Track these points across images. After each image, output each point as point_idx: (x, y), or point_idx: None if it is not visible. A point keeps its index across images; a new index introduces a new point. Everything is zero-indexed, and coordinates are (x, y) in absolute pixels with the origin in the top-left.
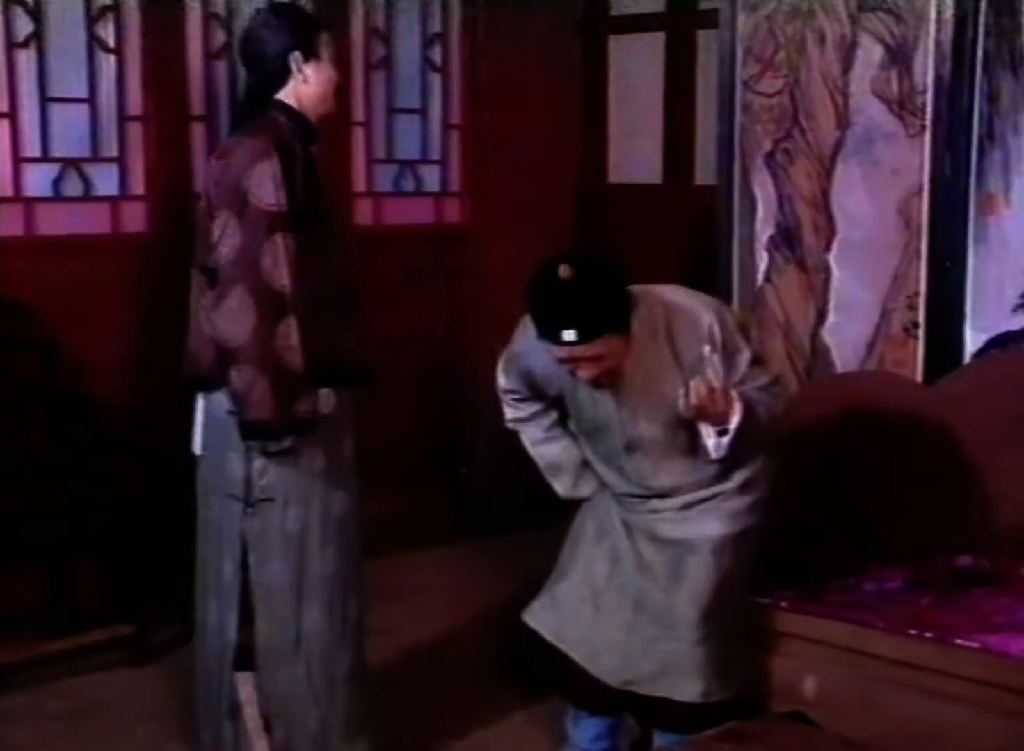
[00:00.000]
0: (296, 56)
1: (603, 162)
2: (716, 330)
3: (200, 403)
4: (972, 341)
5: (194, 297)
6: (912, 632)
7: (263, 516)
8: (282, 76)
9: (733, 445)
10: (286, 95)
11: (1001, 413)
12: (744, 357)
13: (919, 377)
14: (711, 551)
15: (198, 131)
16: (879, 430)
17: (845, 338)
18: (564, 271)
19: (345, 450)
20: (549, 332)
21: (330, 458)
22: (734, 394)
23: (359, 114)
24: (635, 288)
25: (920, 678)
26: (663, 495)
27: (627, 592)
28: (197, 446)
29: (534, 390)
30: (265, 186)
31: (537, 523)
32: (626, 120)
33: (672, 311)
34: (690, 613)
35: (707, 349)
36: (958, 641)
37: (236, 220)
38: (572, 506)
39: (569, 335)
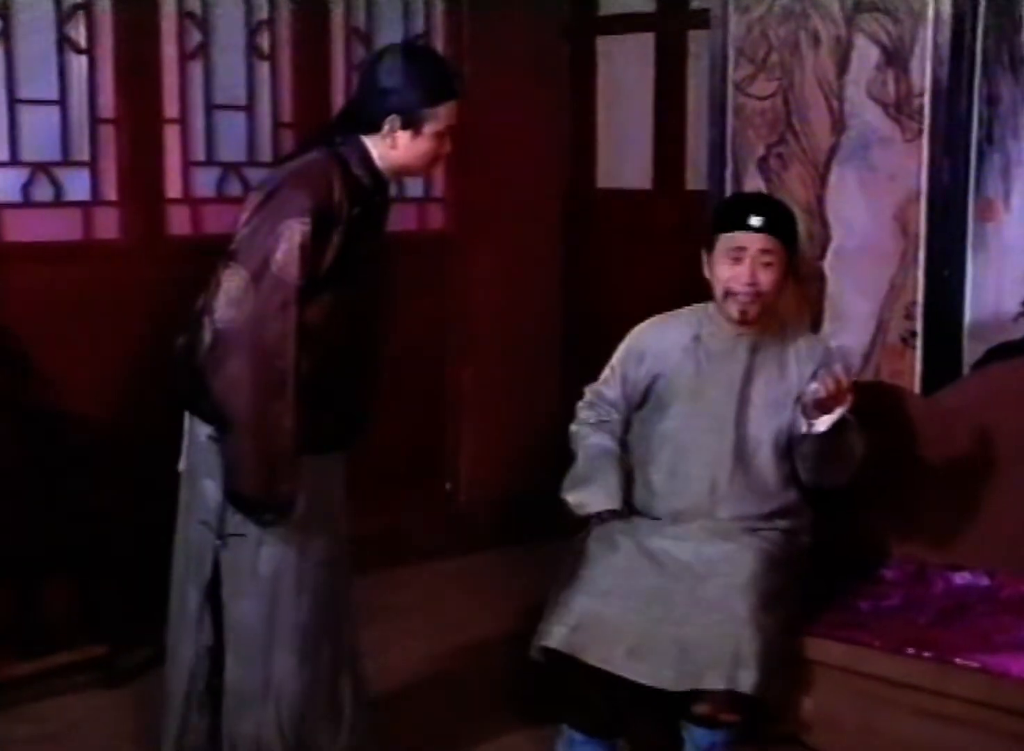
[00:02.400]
0: (393, 120)
1: (591, 167)
2: (834, 345)
3: (186, 420)
4: (971, 351)
5: (204, 328)
6: (910, 651)
7: (235, 551)
8: (375, 127)
9: (833, 430)
10: (372, 143)
11: (1001, 426)
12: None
13: (917, 388)
14: (756, 558)
15: (172, 134)
16: (876, 443)
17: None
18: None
19: (331, 494)
20: (737, 217)
21: (312, 502)
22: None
23: None
24: None
25: (918, 699)
26: (709, 515)
27: (678, 590)
28: (182, 463)
29: (628, 388)
30: (290, 255)
31: (522, 539)
32: (615, 123)
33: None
34: (745, 601)
35: (834, 343)
36: (957, 661)
37: (254, 285)
38: (557, 522)
39: (757, 221)
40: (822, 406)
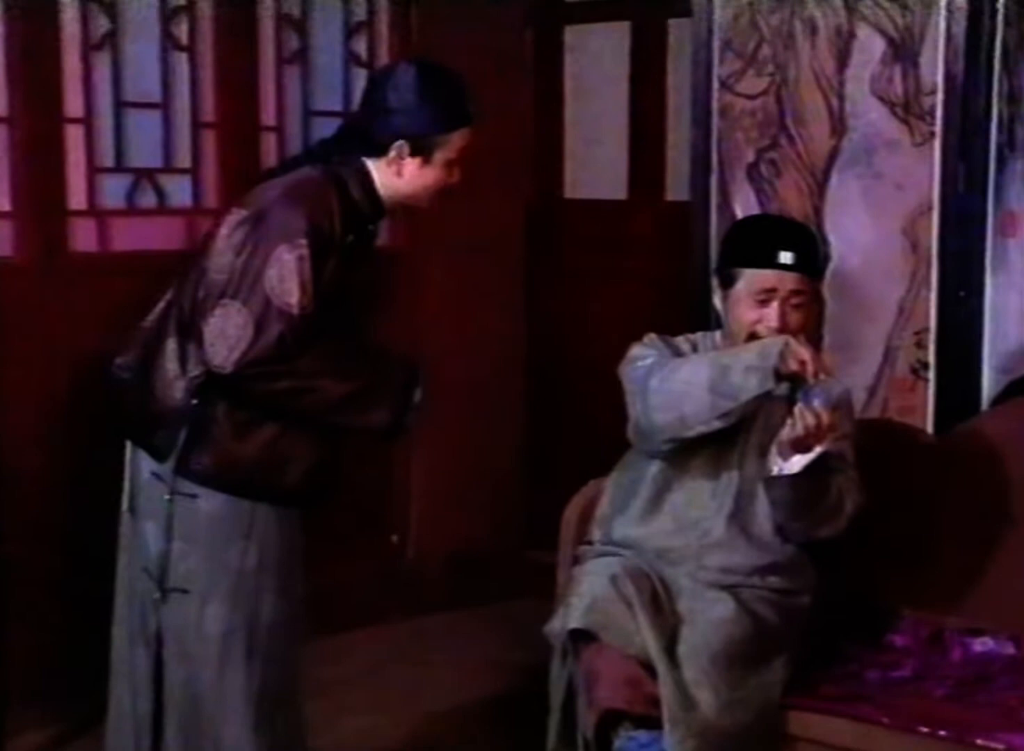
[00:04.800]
0: (402, 145)
1: (558, 174)
2: (848, 397)
3: (128, 454)
4: (991, 384)
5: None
6: (923, 730)
7: (177, 608)
8: (380, 150)
9: (808, 473)
10: (375, 167)
11: None
12: (848, 447)
13: (930, 427)
14: (739, 620)
15: (75, 136)
16: (883, 489)
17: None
18: (764, 210)
19: (287, 551)
20: (765, 252)
21: (266, 557)
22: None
23: (269, 117)
24: None
25: None
26: (696, 560)
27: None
28: (125, 502)
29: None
30: (287, 283)
31: (479, 600)
32: (585, 125)
33: None
34: (717, 668)
35: (821, 376)
36: (978, 741)
37: (254, 324)
38: (519, 580)
39: (788, 257)
40: (798, 445)
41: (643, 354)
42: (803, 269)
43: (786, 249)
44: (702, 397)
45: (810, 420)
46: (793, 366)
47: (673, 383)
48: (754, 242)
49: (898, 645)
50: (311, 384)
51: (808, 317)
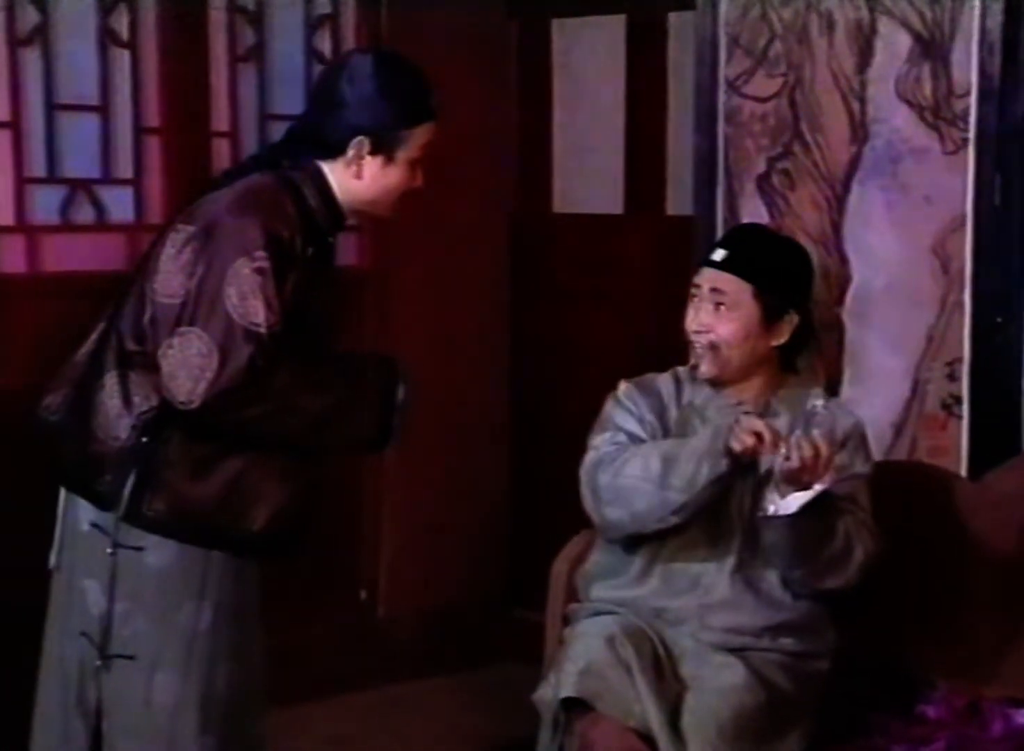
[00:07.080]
0: (361, 143)
1: (546, 186)
2: (860, 431)
3: (61, 503)
4: None
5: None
6: None
7: (122, 677)
8: (336, 150)
9: (807, 514)
10: (331, 170)
11: None
12: (861, 487)
13: (963, 470)
14: (748, 688)
15: (2, 142)
16: (911, 539)
17: (864, 418)
18: (776, 226)
19: (245, 611)
20: (710, 251)
21: (219, 616)
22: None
23: (221, 122)
24: None
25: None
26: (698, 619)
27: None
28: (53, 558)
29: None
30: (249, 300)
31: (456, 664)
32: (576, 131)
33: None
34: (724, 742)
35: (819, 403)
36: None
37: (218, 350)
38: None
39: (719, 254)
40: (794, 479)
41: (607, 417)
42: (731, 268)
43: (722, 246)
44: (652, 492)
45: (807, 451)
46: (748, 441)
47: (623, 479)
48: (720, 239)
49: (930, 716)
50: (287, 403)
51: (740, 327)
